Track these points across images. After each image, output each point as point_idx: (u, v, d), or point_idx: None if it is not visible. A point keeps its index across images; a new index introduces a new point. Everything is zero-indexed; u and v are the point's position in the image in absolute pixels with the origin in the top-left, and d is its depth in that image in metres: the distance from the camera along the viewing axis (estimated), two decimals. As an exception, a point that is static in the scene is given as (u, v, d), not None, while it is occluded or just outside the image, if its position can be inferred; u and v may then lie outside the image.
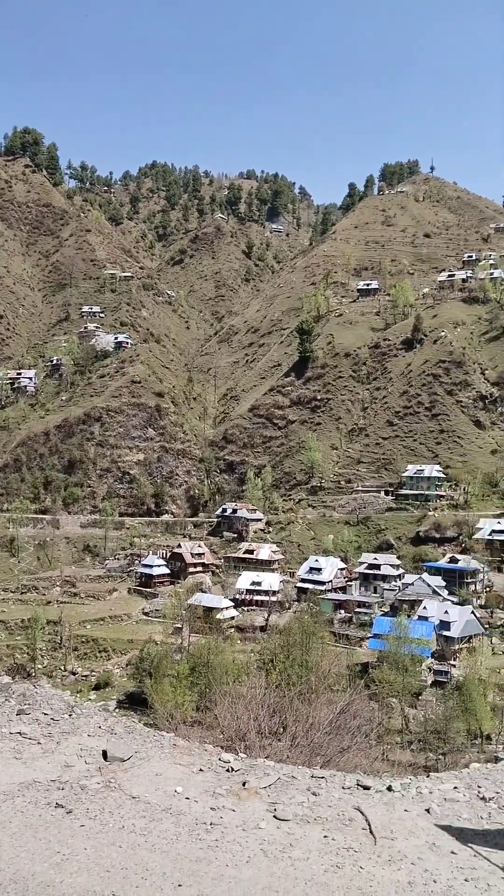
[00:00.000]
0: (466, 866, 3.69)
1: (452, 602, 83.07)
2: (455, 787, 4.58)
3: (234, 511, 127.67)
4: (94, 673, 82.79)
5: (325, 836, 4.03)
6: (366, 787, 4.51)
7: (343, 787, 4.73)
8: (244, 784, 4.65)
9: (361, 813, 4.11)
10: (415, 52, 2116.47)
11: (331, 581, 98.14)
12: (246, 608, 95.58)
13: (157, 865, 3.64)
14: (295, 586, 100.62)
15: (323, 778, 4.91)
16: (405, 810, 4.32)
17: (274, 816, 4.14)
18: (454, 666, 69.39)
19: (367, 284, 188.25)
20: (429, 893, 3.48)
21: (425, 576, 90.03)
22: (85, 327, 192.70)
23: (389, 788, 4.53)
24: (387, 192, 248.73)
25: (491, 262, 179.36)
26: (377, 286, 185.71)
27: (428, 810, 4.26)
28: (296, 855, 3.79)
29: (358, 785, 4.58)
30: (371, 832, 3.93)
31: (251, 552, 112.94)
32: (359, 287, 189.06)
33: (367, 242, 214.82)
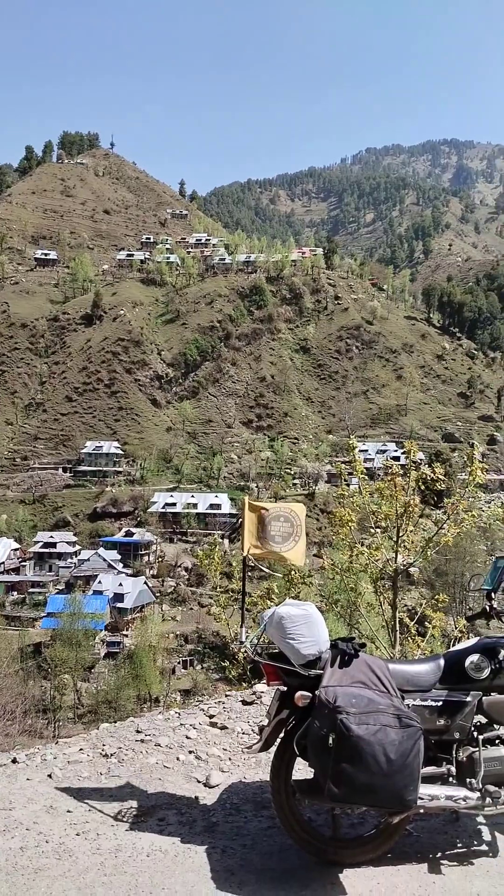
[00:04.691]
0: (80, 821, 3.80)
1: (127, 574, 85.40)
2: (81, 749, 4.70)
3: None
4: None
5: None
6: (-11, 764, 4.44)
7: (-36, 769, 4.57)
8: None
9: (-20, 791, 4.04)
10: (106, 35, 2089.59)
11: (3, 563, 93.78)
12: None
13: None
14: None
15: None
16: (27, 779, 4.30)
17: None
18: (126, 636, 71.66)
19: (46, 254, 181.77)
20: (40, 854, 3.51)
21: (101, 550, 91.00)
22: None
23: (14, 761, 4.50)
24: (66, 161, 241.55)
25: (167, 247, 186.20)
26: (56, 257, 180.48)
27: (50, 775, 4.32)
28: None
29: (-19, 763, 4.48)
30: (-12, 808, 3.88)
31: None
32: (36, 256, 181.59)
33: (45, 210, 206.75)
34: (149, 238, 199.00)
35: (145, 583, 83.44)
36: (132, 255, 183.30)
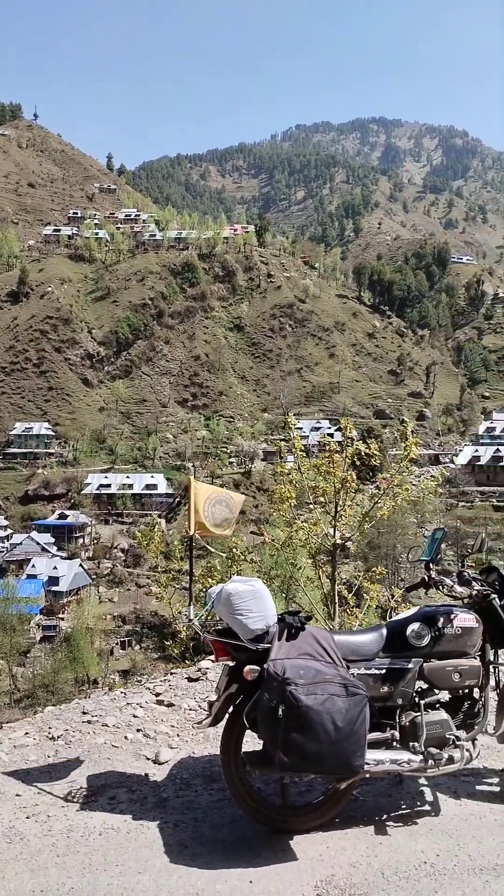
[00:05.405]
0: (30, 804, 3.78)
1: (61, 557, 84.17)
2: (26, 733, 4.66)
3: None
4: None
5: None
6: None
7: None
8: None
9: None
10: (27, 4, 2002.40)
11: None
12: None
13: None
14: None
15: None
16: (-28, 766, 4.28)
17: None
18: (63, 619, 70.76)
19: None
20: (-14, 841, 3.50)
21: (34, 534, 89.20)
22: None
23: (-43, 748, 4.44)
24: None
25: (96, 221, 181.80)
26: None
27: (-5, 761, 4.29)
28: None
29: None
30: None
31: None
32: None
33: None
34: (76, 213, 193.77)
35: (80, 565, 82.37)
36: (59, 231, 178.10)
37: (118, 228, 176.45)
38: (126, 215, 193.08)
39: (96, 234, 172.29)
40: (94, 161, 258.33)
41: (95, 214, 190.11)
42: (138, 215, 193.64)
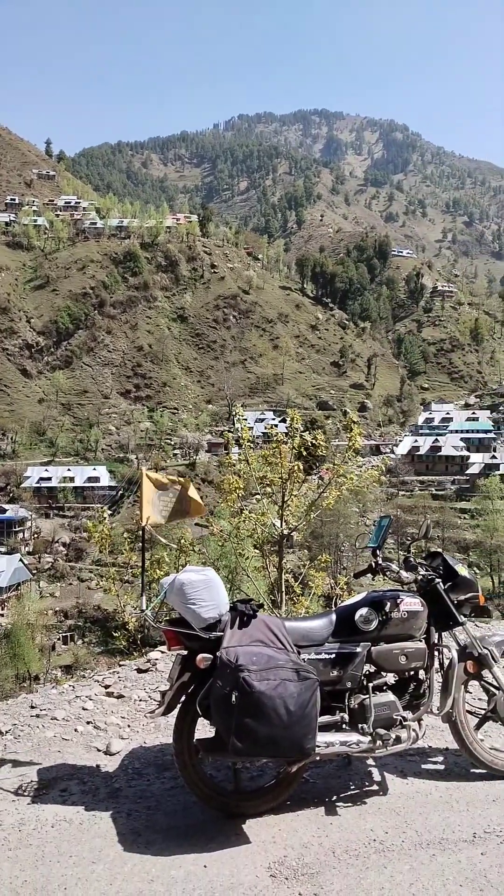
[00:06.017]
0: (-20, 796, 3.76)
1: (0, 552, 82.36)
2: (-27, 730, 4.61)
3: None
4: None
5: None
6: None
7: None
8: None
9: None
10: None
11: None
12: None
13: None
14: None
15: None
16: None
17: None
18: (2, 615, 69.30)
19: None
20: None
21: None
22: None
23: None
24: None
25: (34, 209, 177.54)
26: None
27: None
28: None
29: None
30: None
31: None
32: None
33: None
34: (14, 199, 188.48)
35: (21, 560, 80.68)
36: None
37: (58, 216, 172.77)
38: (66, 202, 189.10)
39: (35, 221, 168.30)
40: (33, 146, 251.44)
41: (34, 201, 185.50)
42: (78, 203, 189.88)
